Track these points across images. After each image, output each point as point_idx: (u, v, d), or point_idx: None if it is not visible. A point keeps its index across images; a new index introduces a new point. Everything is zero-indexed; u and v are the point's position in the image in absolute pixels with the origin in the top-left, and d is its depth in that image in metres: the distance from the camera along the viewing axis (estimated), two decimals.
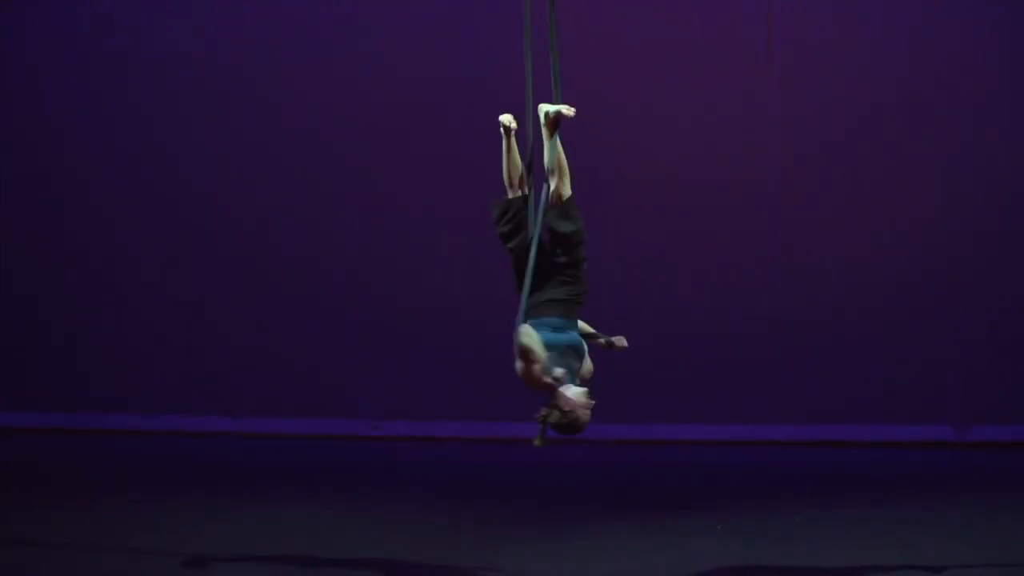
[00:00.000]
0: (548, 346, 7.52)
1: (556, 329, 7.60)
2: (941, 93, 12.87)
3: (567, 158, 7.89)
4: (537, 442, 7.52)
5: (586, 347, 7.72)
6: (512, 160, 8.06)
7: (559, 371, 7.49)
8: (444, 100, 13.19)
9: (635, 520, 9.66)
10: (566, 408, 7.45)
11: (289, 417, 13.30)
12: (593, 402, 7.50)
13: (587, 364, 7.73)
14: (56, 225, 13.50)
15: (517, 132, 8.11)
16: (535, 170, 7.94)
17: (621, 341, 7.85)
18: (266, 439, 13.16)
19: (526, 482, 11.48)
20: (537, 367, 7.46)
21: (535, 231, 7.76)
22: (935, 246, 12.87)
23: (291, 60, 13.31)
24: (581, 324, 7.82)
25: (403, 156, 13.23)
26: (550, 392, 7.48)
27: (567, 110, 7.86)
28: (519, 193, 8.00)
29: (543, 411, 7.48)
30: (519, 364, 7.49)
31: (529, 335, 7.47)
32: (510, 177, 8.06)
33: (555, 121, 7.87)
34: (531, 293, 7.69)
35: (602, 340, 7.83)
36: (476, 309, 12.79)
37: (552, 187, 7.84)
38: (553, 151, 7.87)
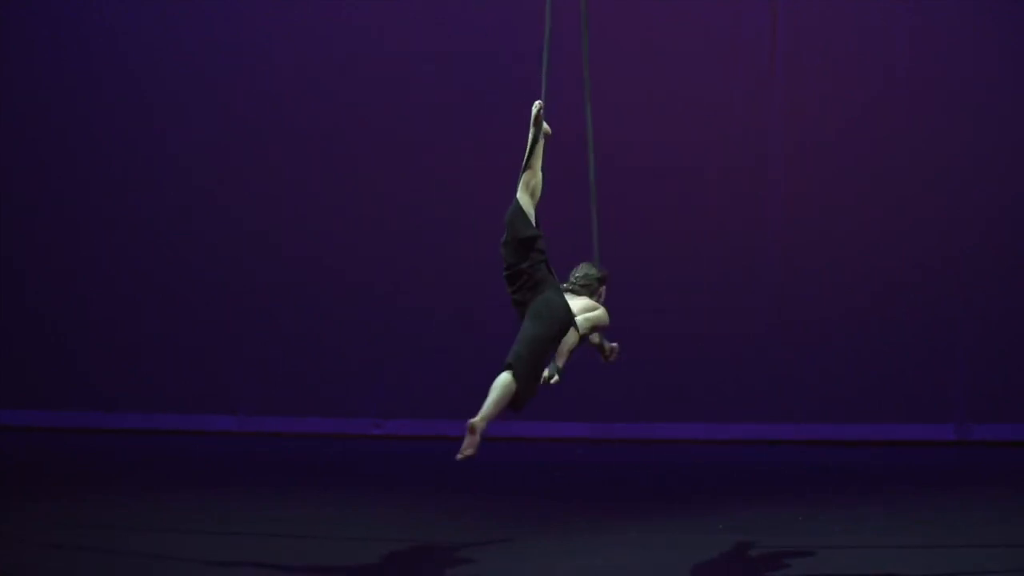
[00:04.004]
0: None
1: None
2: (945, 89, 12.86)
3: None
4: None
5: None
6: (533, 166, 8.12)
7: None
8: (450, 104, 13.18)
9: (636, 518, 9.65)
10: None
11: (290, 416, 13.30)
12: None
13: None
14: (58, 225, 13.50)
15: (549, 135, 8.12)
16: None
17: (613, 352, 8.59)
18: (267, 438, 13.16)
19: (527, 481, 11.48)
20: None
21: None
22: (937, 244, 12.86)
23: (296, 65, 13.31)
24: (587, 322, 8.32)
25: (405, 158, 13.22)
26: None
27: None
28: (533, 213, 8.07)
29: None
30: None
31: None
32: (531, 187, 8.10)
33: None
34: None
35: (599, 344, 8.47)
36: (477, 308, 12.79)
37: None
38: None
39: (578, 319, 8.15)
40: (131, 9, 13.42)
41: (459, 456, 7.93)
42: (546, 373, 8.06)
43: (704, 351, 12.90)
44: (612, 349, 8.65)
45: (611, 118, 12.71)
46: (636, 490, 11.14)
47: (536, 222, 8.10)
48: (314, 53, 13.28)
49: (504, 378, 7.95)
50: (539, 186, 8.13)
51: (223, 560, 8.26)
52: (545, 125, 8.13)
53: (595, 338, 8.55)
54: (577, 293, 8.35)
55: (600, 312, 8.31)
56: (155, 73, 13.39)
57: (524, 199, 8.10)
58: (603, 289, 8.51)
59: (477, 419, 7.95)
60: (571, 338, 8.11)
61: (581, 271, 8.45)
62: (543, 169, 8.14)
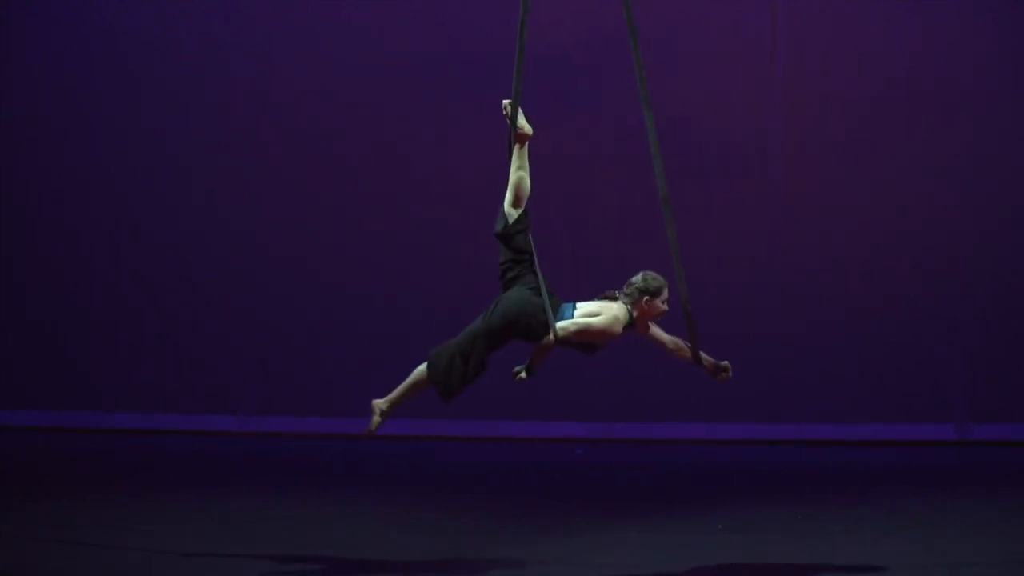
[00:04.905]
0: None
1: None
2: (946, 89, 12.86)
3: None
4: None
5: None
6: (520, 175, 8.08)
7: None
8: (449, 104, 13.18)
9: (636, 518, 9.65)
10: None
11: (290, 416, 13.30)
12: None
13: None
14: (58, 226, 13.49)
15: (529, 134, 8.07)
16: None
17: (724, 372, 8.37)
18: (267, 438, 13.16)
19: (526, 481, 11.48)
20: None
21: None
22: (937, 244, 12.86)
23: (295, 65, 13.30)
24: (679, 342, 8.39)
25: (405, 159, 13.21)
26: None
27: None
28: (524, 219, 8.03)
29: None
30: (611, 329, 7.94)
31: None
32: (517, 195, 8.07)
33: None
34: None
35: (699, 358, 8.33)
36: (477, 308, 12.76)
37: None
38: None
39: (562, 323, 8.01)
40: (131, 9, 13.41)
41: (363, 434, 8.07)
42: (515, 369, 8.01)
43: (704, 351, 12.86)
44: (717, 367, 8.29)
45: (611, 118, 12.74)
46: (636, 490, 11.14)
47: (519, 220, 8.06)
48: (314, 53, 13.28)
49: (419, 368, 8.13)
50: (522, 183, 8.08)
51: (223, 560, 8.26)
52: (523, 122, 8.07)
53: (678, 349, 8.30)
54: (622, 301, 8.15)
55: (595, 320, 7.97)
56: (155, 73, 13.38)
57: (507, 197, 8.11)
58: (649, 300, 8.13)
59: (381, 400, 8.23)
60: (544, 339, 8.01)
61: (635, 278, 8.18)
62: (529, 168, 8.11)
